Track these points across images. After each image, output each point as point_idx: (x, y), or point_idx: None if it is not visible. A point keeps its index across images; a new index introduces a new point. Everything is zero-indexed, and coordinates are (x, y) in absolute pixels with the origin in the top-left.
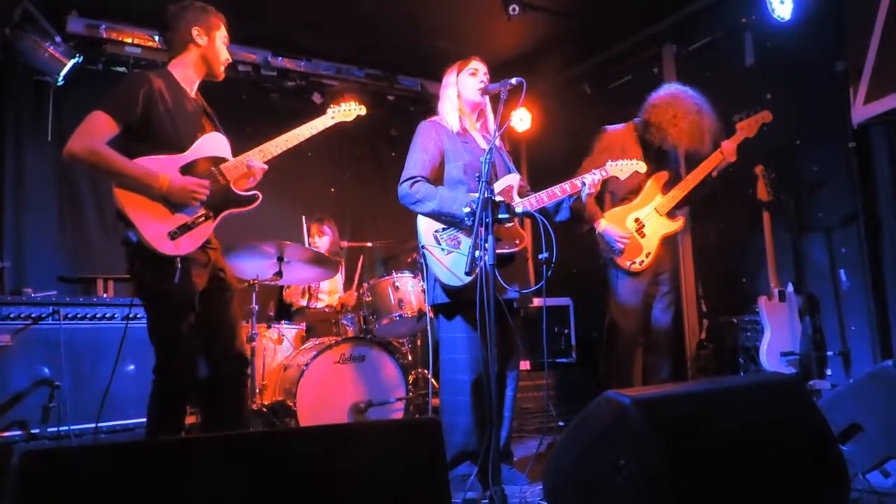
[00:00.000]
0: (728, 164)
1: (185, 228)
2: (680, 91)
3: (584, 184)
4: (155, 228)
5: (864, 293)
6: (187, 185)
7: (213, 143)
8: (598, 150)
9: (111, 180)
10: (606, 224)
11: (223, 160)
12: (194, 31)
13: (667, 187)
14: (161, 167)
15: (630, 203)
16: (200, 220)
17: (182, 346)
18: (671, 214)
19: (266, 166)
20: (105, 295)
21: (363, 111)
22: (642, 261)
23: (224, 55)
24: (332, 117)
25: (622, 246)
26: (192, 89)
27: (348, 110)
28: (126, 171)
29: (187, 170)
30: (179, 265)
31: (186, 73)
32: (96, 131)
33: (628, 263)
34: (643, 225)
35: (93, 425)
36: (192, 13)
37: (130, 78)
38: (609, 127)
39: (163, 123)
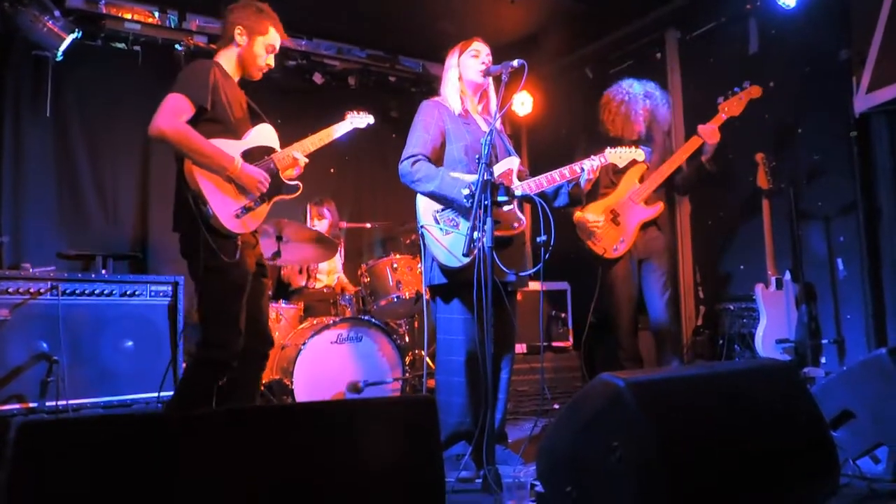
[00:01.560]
0: (713, 147)
1: (246, 210)
2: (616, 85)
3: (583, 169)
4: (225, 207)
5: (860, 282)
6: (254, 174)
7: (265, 133)
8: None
9: (191, 158)
10: (579, 213)
11: (273, 150)
12: (237, 31)
13: (645, 177)
14: (230, 150)
15: (606, 198)
16: (258, 203)
17: (234, 322)
18: (650, 201)
19: (307, 160)
20: (104, 272)
21: (371, 120)
22: (616, 247)
23: (262, 61)
24: (351, 122)
25: (593, 230)
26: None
27: (361, 119)
28: (209, 151)
29: (246, 156)
30: (240, 243)
31: (229, 67)
32: (179, 112)
33: (602, 250)
34: (617, 214)
35: (90, 400)
36: (241, 11)
37: (200, 64)
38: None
39: (224, 109)
